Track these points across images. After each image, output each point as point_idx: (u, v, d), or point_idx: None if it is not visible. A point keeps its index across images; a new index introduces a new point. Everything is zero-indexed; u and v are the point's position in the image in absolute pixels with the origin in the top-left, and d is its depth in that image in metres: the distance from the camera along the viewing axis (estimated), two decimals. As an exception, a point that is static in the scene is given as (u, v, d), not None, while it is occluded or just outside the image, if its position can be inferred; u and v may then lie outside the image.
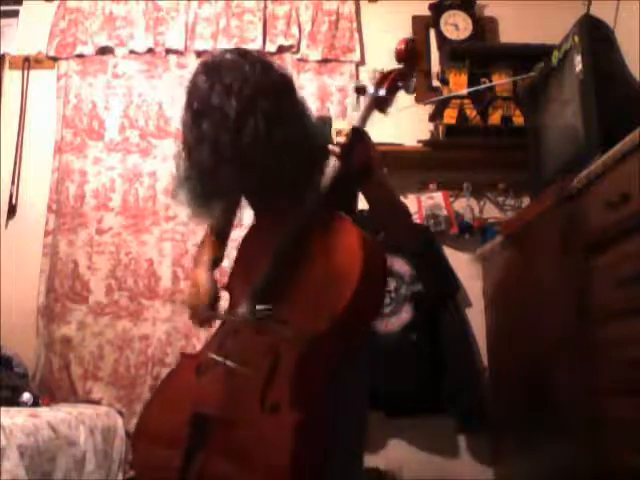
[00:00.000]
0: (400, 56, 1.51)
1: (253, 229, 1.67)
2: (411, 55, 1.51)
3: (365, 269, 1.35)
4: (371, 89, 1.49)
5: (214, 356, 1.46)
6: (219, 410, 1.39)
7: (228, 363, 1.42)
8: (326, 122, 1.69)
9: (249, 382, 1.37)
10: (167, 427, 1.47)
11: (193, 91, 1.46)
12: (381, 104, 1.48)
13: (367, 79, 1.52)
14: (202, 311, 1.61)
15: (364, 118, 1.47)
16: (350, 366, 1.44)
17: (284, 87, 1.49)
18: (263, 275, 1.46)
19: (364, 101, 1.49)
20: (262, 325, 1.42)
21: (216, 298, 1.63)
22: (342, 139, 1.43)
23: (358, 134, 1.43)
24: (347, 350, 1.43)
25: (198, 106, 1.43)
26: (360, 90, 1.50)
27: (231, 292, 1.63)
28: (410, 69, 1.51)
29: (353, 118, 1.49)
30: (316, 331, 1.35)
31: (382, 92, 1.47)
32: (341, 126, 1.69)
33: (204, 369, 1.49)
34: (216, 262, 1.74)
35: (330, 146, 1.43)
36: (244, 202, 1.75)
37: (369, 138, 1.47)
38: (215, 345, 1.53)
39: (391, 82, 1.49)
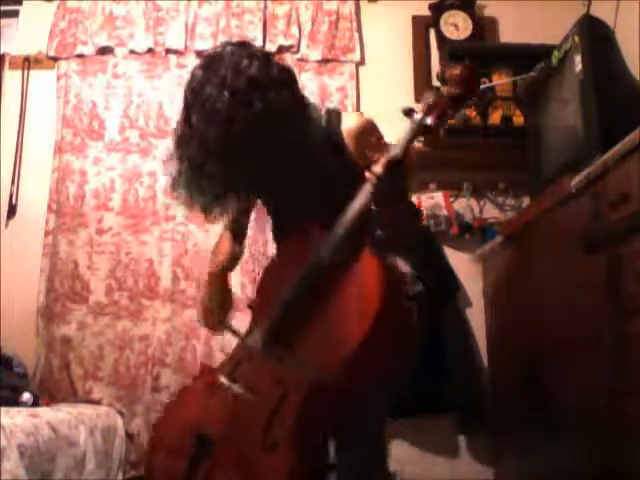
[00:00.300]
0: (452, 79, 1.39)
1: (281, 250, 1.65)
2: (466, 82, 1.39)
3: (380, 319, 1.28)
4: (418, 115, 1.37)
5: (224, 380, 1.44)
6: (222, 434, 1.38)
7: (235, 389, 1.40)
8: (333, 116, 1.62)
9: (254, 411, 1.36)
10: (175, 439, 1.47)
11: (190, 82, 1.43)
12: (427, 133, 1.39)
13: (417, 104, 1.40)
14: (214, 318, 1.59)
15: (405, 147, 1.37)
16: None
17: (283, 81, 1.44)
18: (279, 307, 1.43)
19: (408, 126, 1.39)
20: (273, 357, 1.40)
21: (229, 303, 1.62)
22: (378, 168, 1.33)
23: (398, 168, 1.34)
24: (359, 398, 1.38)
25: (192, 97, 1.40)
26: (408, 113, 1.39)
27: (253, 312, 1.61)
28: (465, 97, 1.40)
29: (395, 145, 1.38)
30: (324, 374, 1.31)
31: (429, 120, 1.37)
32: (350, 117, 1.63)
33: (216, 388, 1.47)
34: (233, 262, 1.73)
35: (367, 174, 1.36)
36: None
37: (407, 168, 1.39)
38: (230, 366, 1.52)
39: (442, 110, 1.38)
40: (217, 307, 1.62)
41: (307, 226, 1.47)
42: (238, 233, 1.79)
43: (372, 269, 1.33)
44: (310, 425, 1.33)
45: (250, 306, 1.63)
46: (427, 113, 1.38)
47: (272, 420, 1.33)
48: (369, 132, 1.58)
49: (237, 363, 1.51)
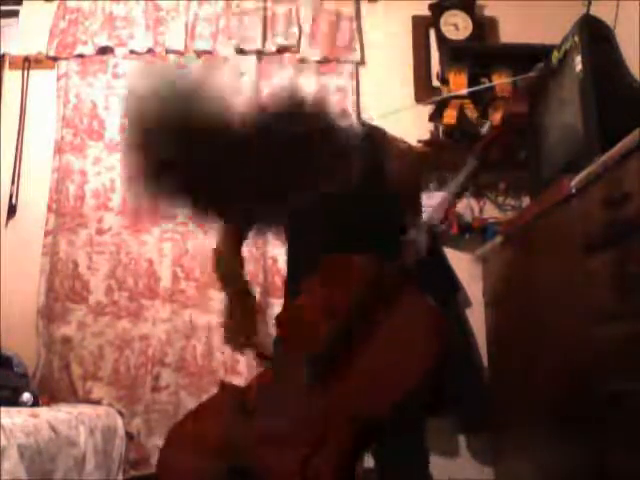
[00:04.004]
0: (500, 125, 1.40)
1: (322, 267, 1.50)
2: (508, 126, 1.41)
3: (431, 370, 1.29)
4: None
5: (265, 420, 1.37)
6: (257, 467, 1.32)
7: (275, 423, 1.34)
8: (375, 132, 1.58)
9: (293, 444, 1.31)
10: (203, 468, 1.37)
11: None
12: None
13: None
14: (243, 338, 1.50)
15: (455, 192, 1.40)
16: None
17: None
18: (323, 341, 1.37)
19: (465, 169, 1.40)
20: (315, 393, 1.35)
21: (255, 315, 1.53)
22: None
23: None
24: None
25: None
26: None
27: (281, 331, 1.51)
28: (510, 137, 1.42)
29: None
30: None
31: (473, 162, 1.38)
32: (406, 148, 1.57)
33: (249, 415, 1.40)
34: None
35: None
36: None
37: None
38: (266, 389, 1.43)
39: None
40: (246, 323, 1.52)
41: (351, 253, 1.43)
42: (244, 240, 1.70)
43: (425, 304, 1.38)
44: (351, 453, 1.32)
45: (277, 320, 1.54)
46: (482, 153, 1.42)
47: (314, 452, 1.29)
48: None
49: (269, 386, 1.43)
